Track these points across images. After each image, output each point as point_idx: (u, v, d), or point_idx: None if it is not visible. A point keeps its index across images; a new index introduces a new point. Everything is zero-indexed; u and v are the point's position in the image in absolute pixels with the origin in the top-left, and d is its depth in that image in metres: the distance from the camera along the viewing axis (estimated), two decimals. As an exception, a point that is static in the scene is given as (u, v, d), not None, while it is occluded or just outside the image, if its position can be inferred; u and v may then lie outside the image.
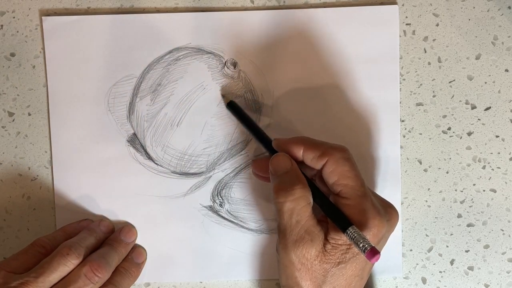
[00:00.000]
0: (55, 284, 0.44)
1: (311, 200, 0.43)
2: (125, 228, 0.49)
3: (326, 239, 0.42)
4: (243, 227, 0.50)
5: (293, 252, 0.42)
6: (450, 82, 0.50)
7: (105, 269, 0.44)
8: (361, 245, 0.39)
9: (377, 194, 0.45)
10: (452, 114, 0.50)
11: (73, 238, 0.46)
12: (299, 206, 0.42)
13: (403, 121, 0.50)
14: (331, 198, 0.43)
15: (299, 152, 0.44)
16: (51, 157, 0.49)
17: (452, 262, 0.50)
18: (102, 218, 0.49)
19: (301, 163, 0.44)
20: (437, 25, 0.49)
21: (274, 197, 0.43)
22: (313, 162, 0.43)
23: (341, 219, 0.41)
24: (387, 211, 0.43)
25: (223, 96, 0.49)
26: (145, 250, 0.49)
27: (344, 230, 0.40)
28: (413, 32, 0.49)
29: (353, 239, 0.40)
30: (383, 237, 0.43)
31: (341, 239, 0.42)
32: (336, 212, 0.42)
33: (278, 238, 0.43)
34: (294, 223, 0.42)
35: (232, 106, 0.48)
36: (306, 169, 0.44)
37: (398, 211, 0.49)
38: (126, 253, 0.48)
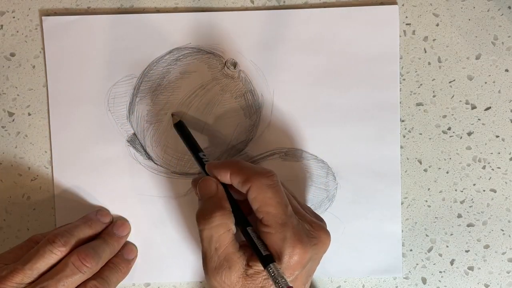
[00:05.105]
0: (44, 273, 0.44)
1: (232, 227, 0.42)
2: (118, 222, 0.49)
3: (248, 265, 0.42)
4: (243, 227, 0.50)
5: (213, 278, 0.42)
6: (450, 82, 0.50)
7: (93, 259, 0.44)
8: (278, 283, 0.39)
9: (308, 215, 0.44)
10: (452, 114, 0.50)
11: (65, 226, 0.46)
12: (217, 234, 0.41)
13: (403, 121, 0.50)
14: (256, 224, 0.43)
15: (227, 177, 0.43)
16: (51, 157, 0.49)
17: (452, 262, 0.50)
18: (101, 208, 0.49)
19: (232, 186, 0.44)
20: (437, 25, 0.49)
21: (196, 223, 0.43)
22: (239, 187, 0.43)
23: (262, 253, 0.41)
24: (315, 235, 0.42)
25: (172, 115, 0.48)
26: (136, 247, 0.49)
27: (264, 266, 0.40)
28: (413, 32, 0.49)
29: (272, 276, 0.40)
30: (311, 260, 0.42)
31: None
32: (258, 243, 0.42)
33: (202, 263, 0.43)
34: (213, 250, 0.41)
35: (179, 126, 0.48)
36: (240, 193, 0.43)
37: (398, 211, 0.49)
38: (119, 247, 0.48)
